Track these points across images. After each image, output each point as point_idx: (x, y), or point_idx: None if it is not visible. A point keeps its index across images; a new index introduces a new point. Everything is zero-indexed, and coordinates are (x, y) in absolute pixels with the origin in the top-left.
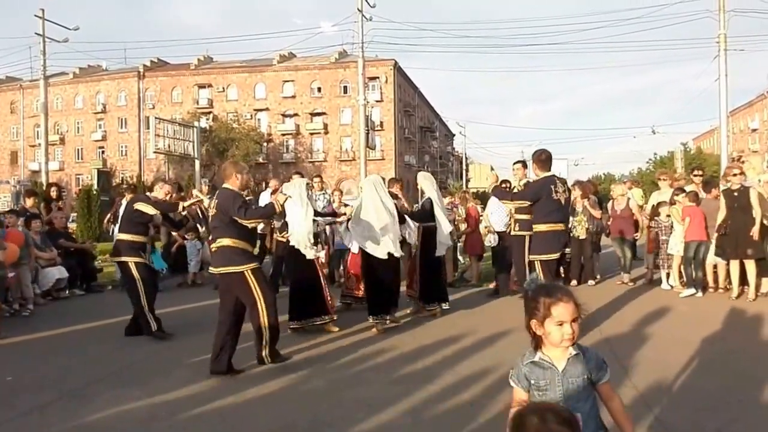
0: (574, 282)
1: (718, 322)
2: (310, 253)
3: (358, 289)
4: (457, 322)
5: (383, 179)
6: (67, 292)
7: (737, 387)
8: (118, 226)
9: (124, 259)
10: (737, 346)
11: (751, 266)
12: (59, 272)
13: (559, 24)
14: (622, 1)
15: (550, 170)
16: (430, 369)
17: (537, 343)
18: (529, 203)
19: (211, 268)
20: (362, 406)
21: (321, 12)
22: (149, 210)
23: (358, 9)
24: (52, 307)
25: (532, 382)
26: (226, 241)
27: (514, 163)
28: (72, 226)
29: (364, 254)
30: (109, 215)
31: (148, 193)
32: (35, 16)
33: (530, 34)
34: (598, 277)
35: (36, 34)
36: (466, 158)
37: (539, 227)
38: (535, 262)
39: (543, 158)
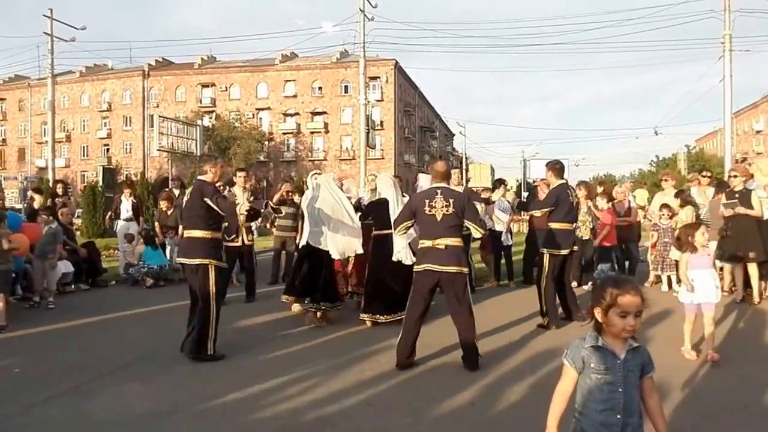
0: (574, 283)
1: (723, 326)
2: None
3: (359, 285)
4: None
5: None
6: (72, 286)
7: (743, 392)
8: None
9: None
10: (742, 349)
11: (753, 269)
12: (65, 267)
13: (560, 24)
14: (624, 1)
15: (563, 178)
16: (432, 368)
17: (598, 329)
18: (552, 207)
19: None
20: (363, 405)
21: (323, 12)
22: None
23: (360, 9)
24: (57, 300)
25: (592, 365)
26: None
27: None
28: (77, 222)
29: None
30: (110, 213)
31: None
32: (44, 15)
33: (531, 34)
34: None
35: (44, 33)
36: (466, 158)
37: (556, 225)
38: (545, 255)
39: (558, 167)
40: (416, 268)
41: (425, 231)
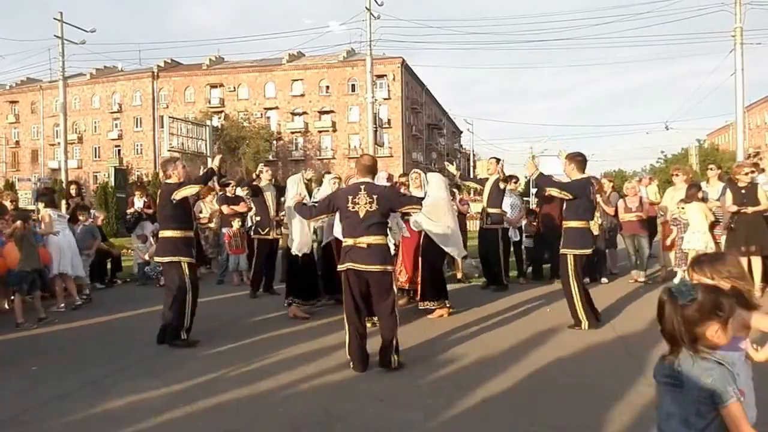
0: (586, 279)
1: None
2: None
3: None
4: (468, 317)
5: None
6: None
7: (758, 387)
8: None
9: None
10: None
11: (757, 263)
12: None
13: (567, 19)
14: None
15: (584, 172)
16: (442, 365)
17: (707, 347)
18: (572, 197)
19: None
20: (374, 400)
21: (329, 11)
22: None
23: (366, 7)
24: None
25: (739, 387)
26: None
27: (490, 158)
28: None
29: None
30: (131, 214)
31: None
32: (54, 19)
33: (538, 29)
34: (616, 272)
35: (55, 36)
36: (474, 155)
37: (574, 223)
38: (568, 256)
39: (580, 159)
40: (340, 267)
41: (348, 229)
